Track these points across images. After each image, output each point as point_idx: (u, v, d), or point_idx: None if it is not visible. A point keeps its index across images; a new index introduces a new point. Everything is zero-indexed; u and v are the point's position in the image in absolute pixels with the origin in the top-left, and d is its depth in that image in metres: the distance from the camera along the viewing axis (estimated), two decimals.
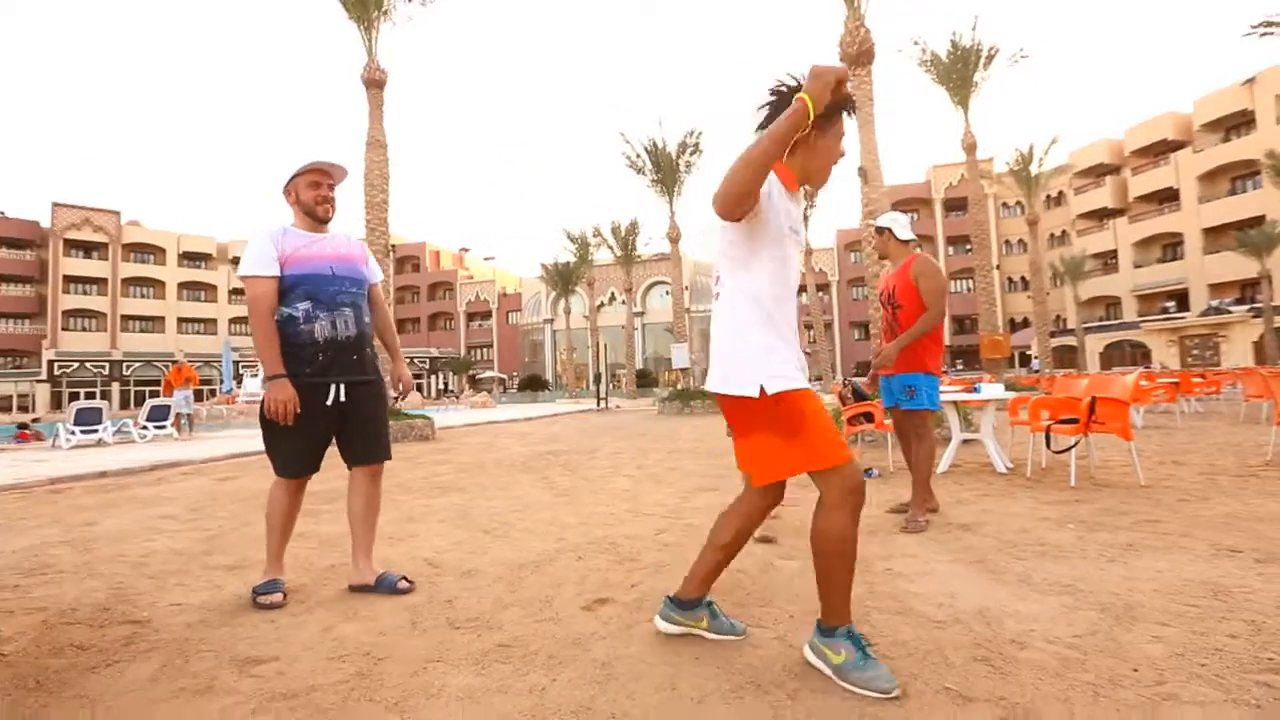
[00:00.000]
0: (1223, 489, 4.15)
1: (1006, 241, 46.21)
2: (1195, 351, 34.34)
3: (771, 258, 1.77)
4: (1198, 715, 1.46)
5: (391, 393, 2.93)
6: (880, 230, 3.77)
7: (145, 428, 12.43)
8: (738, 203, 1.60)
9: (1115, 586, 2.34)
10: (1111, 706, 1.51)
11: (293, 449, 2.49)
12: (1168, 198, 38.15)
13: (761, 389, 1.71)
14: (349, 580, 2.66)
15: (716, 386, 1.83)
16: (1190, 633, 1.91)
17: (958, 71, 19.63)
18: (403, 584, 2.57)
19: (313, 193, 2.56)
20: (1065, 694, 1.57)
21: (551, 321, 52.51)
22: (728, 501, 4.59)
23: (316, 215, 2.57)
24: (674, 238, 26.87)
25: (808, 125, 1.59)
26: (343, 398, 2.51)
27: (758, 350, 1.75)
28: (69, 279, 44.41)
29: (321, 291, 2.48)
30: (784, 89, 1.77)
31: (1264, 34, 16.90)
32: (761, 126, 1.79)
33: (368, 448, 2.62)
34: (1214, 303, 34.11)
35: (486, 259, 66.96)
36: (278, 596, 2.45)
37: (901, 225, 3.74)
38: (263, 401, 2.40)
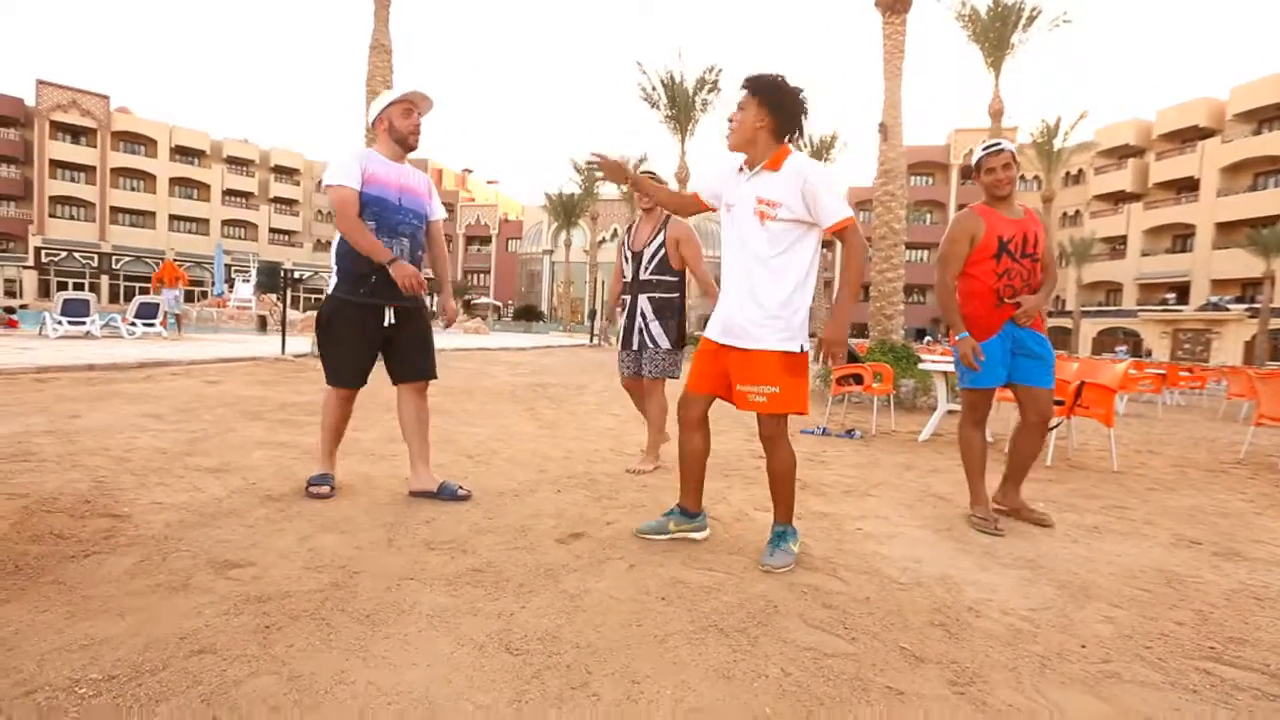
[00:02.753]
0: (1192, 482, 4.24)
1: None
2: (1186, 345, 34.60)
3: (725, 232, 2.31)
4: (1137, 695, 1.52)
5: (438, 322, 3.19)
6: (1015, 161, 2.90)
7: (134, 324, 12.33)
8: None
9: (1075, 566, 2.41)
10: (1057, 679, 1.57)
11: (345, 362, 2.71)
12: (1187, 187, 37.41)
13: None
14: (409, 486, 2.87)
15: None
16: (1140, 617, 1.98)
17: (995, 30, 18.71)
18: (461, 491, 2.84)
19: (406, 121, 2.70)
20: (1014, 663, 1.64)
21: (551, 253, 51.76)
22: (712, 449, 4.63)
23: (408, 144, 2.75)
24: (683, 179, 26.18)
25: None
26: (393, 319, 2.72)
27: None
28: (55, 164, 42.85)
29: (387, 217, 2.66)
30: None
31: None
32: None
33: (415, 367, 2.84)
34: (1213, 299, 34.11)
35: (490, 183, 65.22)
36: (326, 489, 2.72)
37: None
38: (320, 314, 2.70)
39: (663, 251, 3.56)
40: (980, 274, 2.87)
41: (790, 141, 2.24)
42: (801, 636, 1.72)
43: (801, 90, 2.19)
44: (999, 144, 2.90)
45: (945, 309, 2.98)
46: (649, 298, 3.59)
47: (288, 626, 1.60)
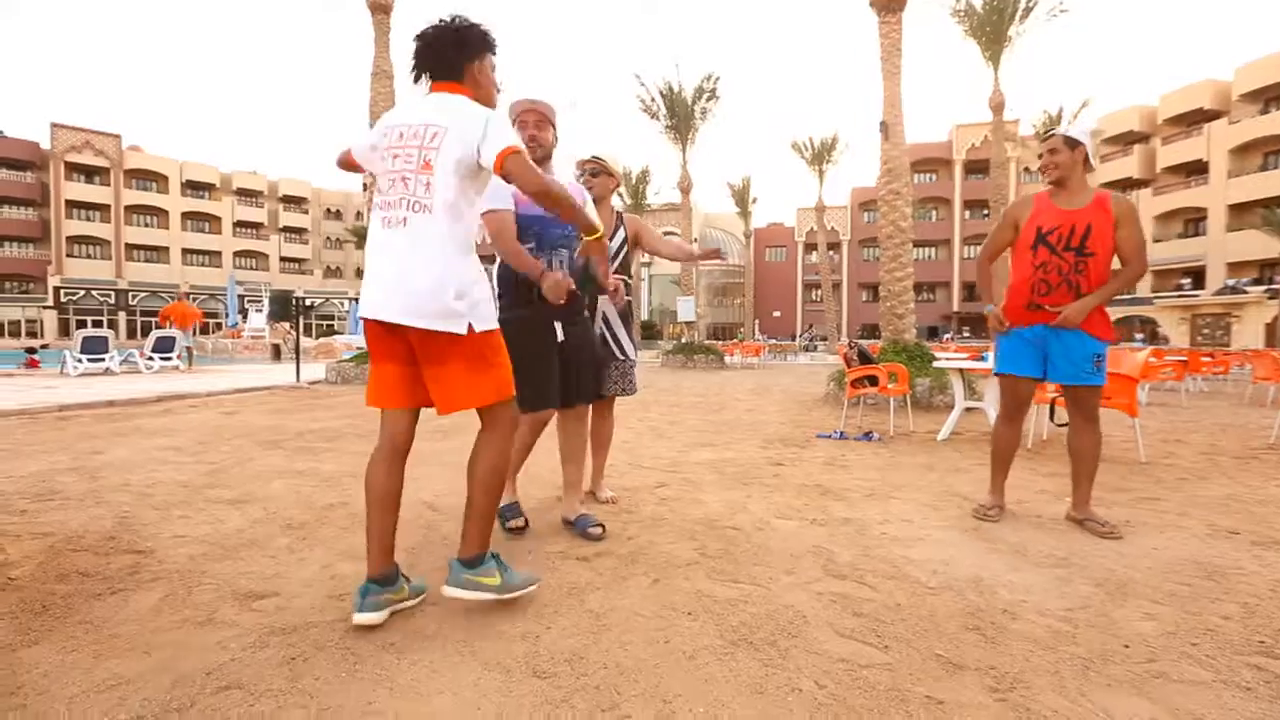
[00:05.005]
0: (1223, 470, 4.14)
1: None
2: (1206, 330, 33.98)
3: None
4: (1187, 695, 1.47)
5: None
6: (1073, 144, 2.73)
7: (151, 359, 12.50)
8: None
9: (1110, 562, 2.35)
10: (1101, 681, 1.52)
11: (541, 379, 2.49)
12: (1196, 170, 36.92)
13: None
14: (564, 514, 2.79)
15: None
16: (1183, 612, 1.91)
17: (992, 24, 18.72)
18: (593, 530, 2.65)
19: (520, 133, 2.47)
20: (1055, 667, 1.59)
21: None
22: (726, 457, 4.58)
23: (534, 155, 2.50)
24: (685, 187, 26.28)
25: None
26: (561, 337, 2.57)
27: None
28: (71, 204, 43.83)
29: (546, 235, 2.53)
30: None
31: None
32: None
33: (593, 385, 2.79)
34: (1230, 282, 33.51)
35: None
36: (520, 521, 2.72)
37: (1092, 150, 2.80)
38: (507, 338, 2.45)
39: (625, 248, 3.04)
40: (1019, 264, 2.84)
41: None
42: (833, 647, 1.68)
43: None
44: (1054, 130, 2.82)
45: (979, 286, 3.06)
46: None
47: (313, 657, 1.59)
